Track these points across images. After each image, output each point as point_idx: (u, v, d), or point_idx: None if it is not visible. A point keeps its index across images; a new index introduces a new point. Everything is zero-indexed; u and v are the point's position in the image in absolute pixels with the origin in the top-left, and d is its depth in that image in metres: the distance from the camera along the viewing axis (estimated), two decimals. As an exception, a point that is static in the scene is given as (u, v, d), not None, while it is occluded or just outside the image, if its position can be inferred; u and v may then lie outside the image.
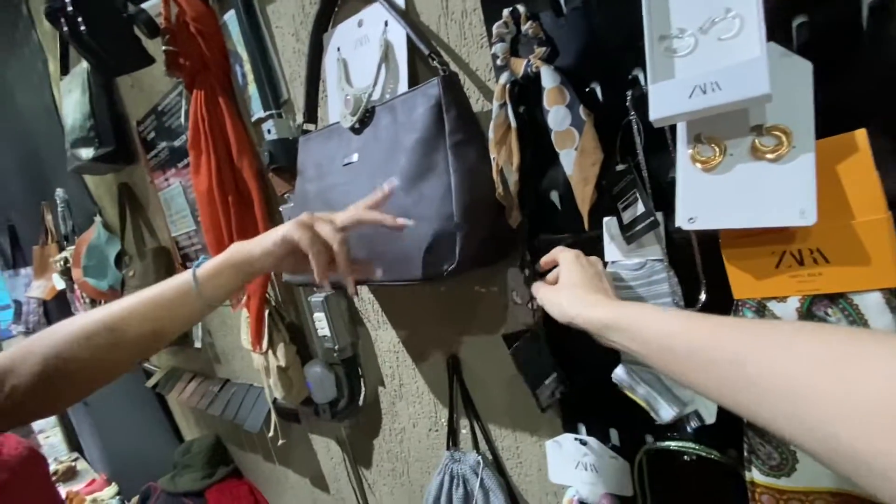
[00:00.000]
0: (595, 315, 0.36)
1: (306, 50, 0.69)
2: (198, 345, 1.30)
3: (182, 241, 1.22)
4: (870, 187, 0.32)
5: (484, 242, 0.50)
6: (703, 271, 0.41)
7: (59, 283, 1.93)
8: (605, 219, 0.45)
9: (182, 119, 0.94)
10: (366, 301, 0.81)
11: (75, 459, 2.61)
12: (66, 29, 0.83)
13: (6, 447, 0.78)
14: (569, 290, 0.40)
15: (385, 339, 0.80)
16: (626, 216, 0.42)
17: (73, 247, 1.76)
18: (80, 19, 0.82)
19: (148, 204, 1.34)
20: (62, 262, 1.82)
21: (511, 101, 0.45)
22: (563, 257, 0.42)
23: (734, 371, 0.25)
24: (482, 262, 0.53)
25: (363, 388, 0.88)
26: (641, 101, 0.39)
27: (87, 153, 1.24)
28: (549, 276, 0.44)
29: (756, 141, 0.34)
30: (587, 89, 0.43)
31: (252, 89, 0.82)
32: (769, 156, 0.34)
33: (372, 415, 0.89)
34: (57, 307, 2.21)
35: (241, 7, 0.75)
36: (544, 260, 0.45)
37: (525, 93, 0.46)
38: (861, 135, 0.32)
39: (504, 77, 0.45)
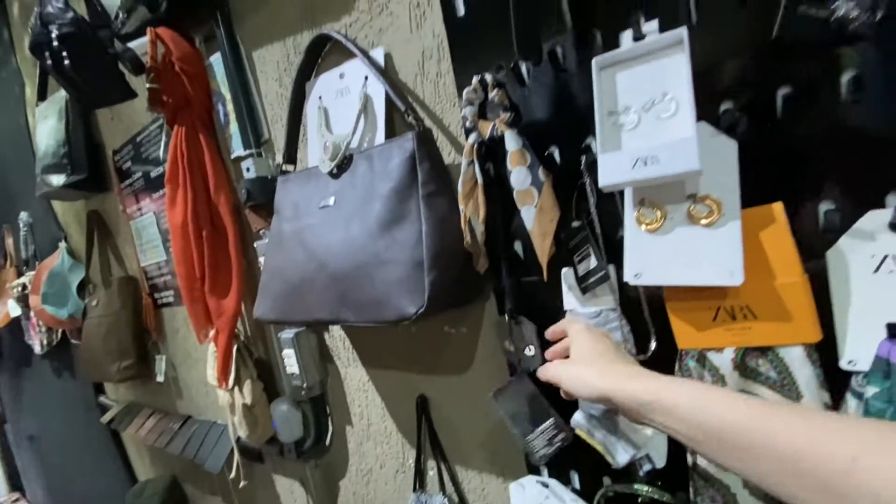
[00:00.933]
0: (633, 389, 0.33)
1: (289, 95, 0.73)
2: (160, 378, 1.26)
3: (151, 271, 1.20)
4: (787, 253, 0.36)
5: (453, 286, 0.52)
6: (652, 322, 0.44)
7: (15, 310, 1.84)
8: (563, 270, 0.48)
9: (161, 151, 0.95)
10: (336, 338, 0.81)
11: (16, 500, 2.41)
12: (49, 62, 0.84)
13: None
14: (593, 363, 0.37)
15: (355, 378, 0.80)
16: (581, 268, 0.45)
17: (32, 272, 1.70)
18: (64, 54, 0.84)
19: (118, 232, 1.32)
20: (20, 288, 1.74)
21: (478, 160, 0.49)
22: (575, 328, 0.41)
23: (839, 477, 0.23)
24: (451, 305, 0.55)
25: (330, 428, 0.87)
26: (594, 166, 0.43)
27: (58, 180, 1.22)
28: (557, 347, 0.42)
29: (691, 208, 0.39)
30: (546, 153, 0.47)
31: (234, 128, 0.84)
32: (703, 221, 0.38)
33: (338, 455, 0.87)
34: (10, 334, 2.09)
35: (228, 51, 0.79)
36: (551, 331, 0.44)
37: (491, 151, 0.50)
38: (778, 207, 0.36)
39: (472, 137, 0.48)
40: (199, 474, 1.30)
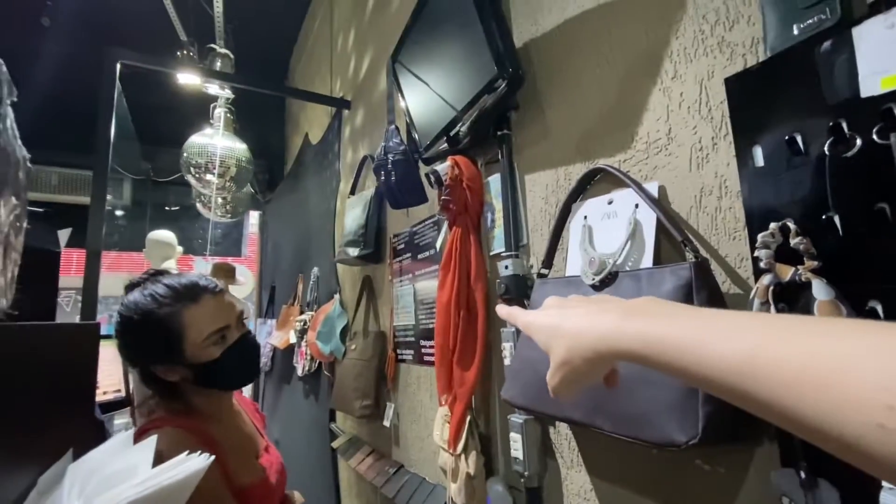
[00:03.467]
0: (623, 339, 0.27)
1: (553, 210, 0.86)
2: (386, 423, 1.48)
3: (399, 330, 1.48)
4: None
5: (726, 422, 0.51)
6: None
7: (293, 338, 2.47)
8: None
9: (439, 243, 1.21)
10: (562, 436, 0.84)
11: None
12: (382, 178, 1.20)
13: (273, 455, 1.01)
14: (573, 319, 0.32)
15: (576, 482, 0.80)
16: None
17: (312, 313, 2.27)
18: (393, 173, 1.19)
19: (381, 295, 1.68)
20: (301, 323, 2.34)
21: (773, 301, 0.49)
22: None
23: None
24: (721, 441, 0.53)
25: (541, 525, 0.88)
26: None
27: (353, 252, 1.66)
28: None
29: None
30: (867, 307, 0.44)
31: (497, 232, 1.03)
32: None
33: (544, 557, 0.86)
34: (283, 356, 2.79)
35: (507, 174, 0.99)
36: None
37: (786, 293, 0.50)
38: None
39: (768, 279, 0.50)
40: (397, 523, 1.43)
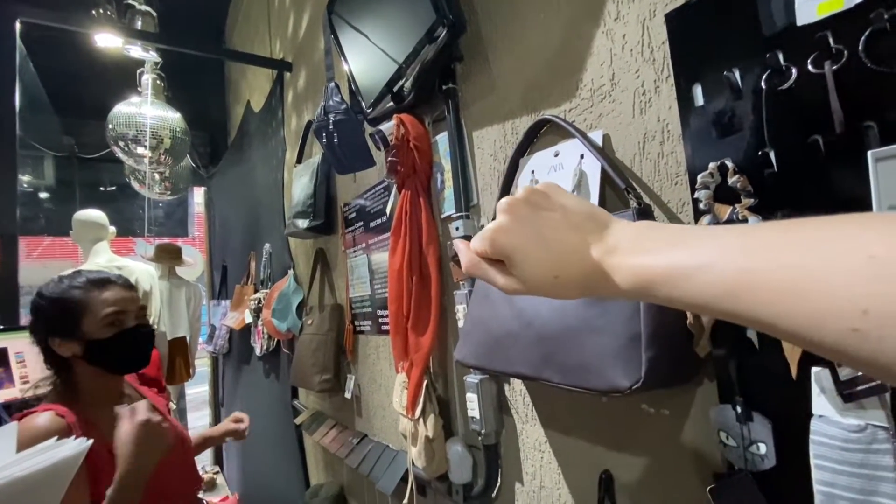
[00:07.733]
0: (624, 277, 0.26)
1: (501, 167, 0.83)
2: (347, 395, 1.46)
3: (356, 302, 1.44)
4: None
5: (669, 365, 0.52)
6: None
7: (248, 318, 2.37)
8: (815, 369, 0.43)
9: (388, 208, 1.16)
10: (517, 392, 0.85)
11: (216, 473, 2.97)
12: (324, 141, 1.13)
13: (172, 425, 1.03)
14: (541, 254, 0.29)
15: (531, 436, 0.82)
16: (845, 372, 0.40)
17: (267, 290, 2.18)
18: (335, 134, 1.12)
19: (335, 267, 1.63)
20: (256, 302, 2.25)
21: (711, 241, 0.49)
22: (501, 207, 0.32)
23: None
24: (662, 385, 0.54)
25: (500, 480, 0.89)
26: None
27: (303, 223, 1.58)
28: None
29: None
30: (798, 241, 0.44)
31: (448, 193, 0.99)
32: None
33: (504, 510, 0.88)
34: (240, 337, 2.69)
35: (454, 132, 0.95)
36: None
37: (724, 233, 0.50)
38: None
39: (706, 220, 0.49)
40: (363, 490, 1.43)
